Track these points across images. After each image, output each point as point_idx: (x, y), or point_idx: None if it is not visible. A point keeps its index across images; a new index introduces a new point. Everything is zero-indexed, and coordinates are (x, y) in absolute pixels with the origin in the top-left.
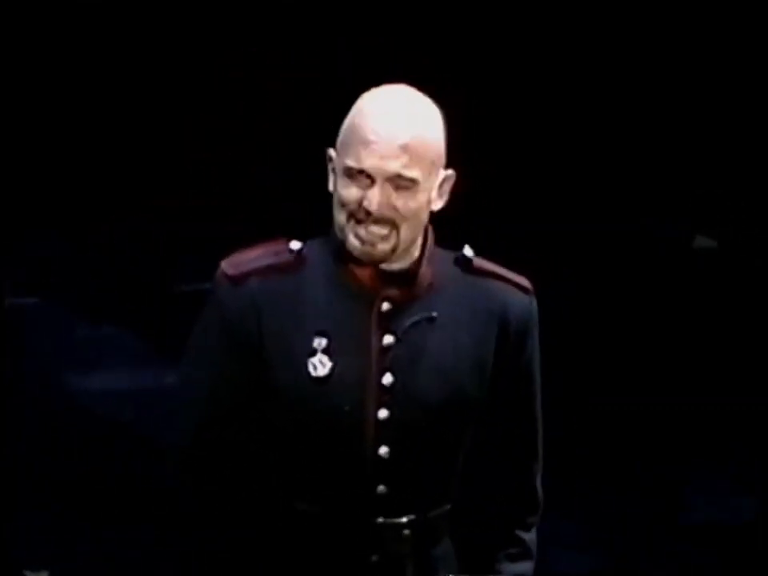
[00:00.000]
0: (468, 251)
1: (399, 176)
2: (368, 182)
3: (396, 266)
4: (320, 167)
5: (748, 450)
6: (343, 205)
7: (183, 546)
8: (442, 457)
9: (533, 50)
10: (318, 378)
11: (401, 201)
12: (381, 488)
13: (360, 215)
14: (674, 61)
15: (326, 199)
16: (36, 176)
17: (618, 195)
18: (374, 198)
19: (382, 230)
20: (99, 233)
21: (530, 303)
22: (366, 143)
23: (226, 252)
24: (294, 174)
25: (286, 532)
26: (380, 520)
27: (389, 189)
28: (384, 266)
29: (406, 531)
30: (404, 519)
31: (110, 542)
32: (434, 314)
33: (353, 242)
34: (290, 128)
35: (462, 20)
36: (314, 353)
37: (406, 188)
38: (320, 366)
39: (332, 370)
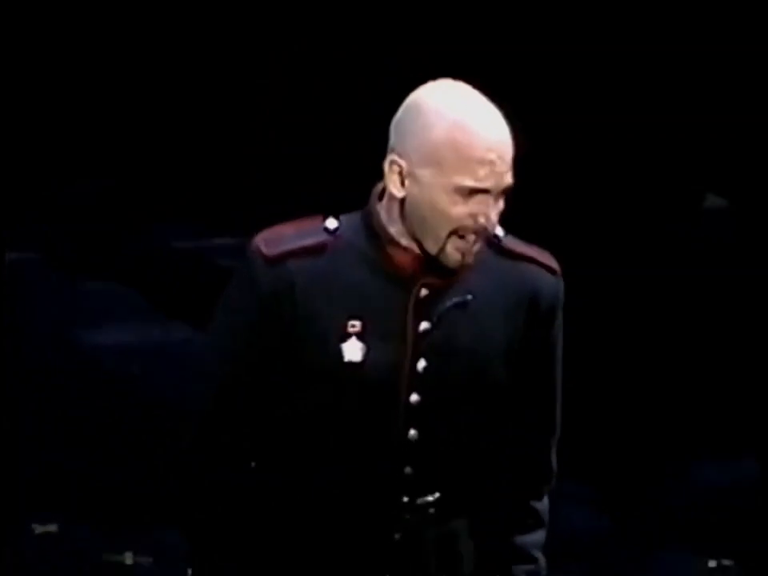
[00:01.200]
0: (499, 231)
1: (508, 188)
2: (483, 198)
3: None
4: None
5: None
6: (452, 221)
7: (200, 523)
8: (468, 438)
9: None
10: (350, 363)
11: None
12: (408, 469)
13: (471, 232)
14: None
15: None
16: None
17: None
18: (493, 216)
19: (481, 241)
20: (103, 189)
21: (557, 285)
22: (483, 162)
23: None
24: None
25: (308, 510)
26: (405, 499)
27: (499, 202)
28: (423, 253)
29: (431, 510)
30: (429, 498)
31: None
32: (468, 297)
33: (452, 254)
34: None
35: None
36: (347, 337)
37: (504, 196)
38: (353, 350)
39: (365, 354)
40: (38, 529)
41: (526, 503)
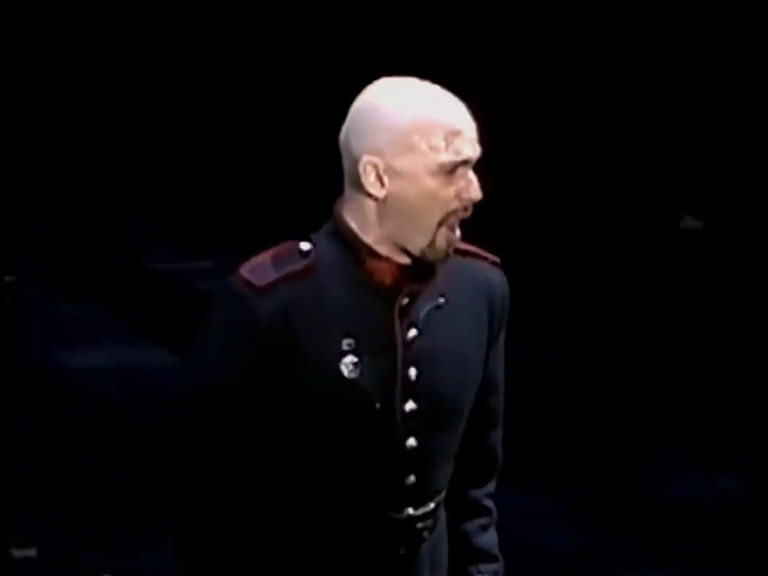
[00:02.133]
0: None
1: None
2: (464, 171)
3: (410, 258)
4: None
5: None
6: (443, 203)
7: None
8: (454, 441)
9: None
10: (349, 380)
11: None
12: (411, 479)
13: (461, 210)
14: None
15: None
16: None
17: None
18: (478, 187)
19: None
20: (80, 211)
21: (504, 279)
22: (457, 133)
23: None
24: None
25: (315, 528)
26: (410, 511)
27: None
28: (401, 259)
29: (430, 521)
30: (431, 506)
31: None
32: (441, 300)
33: (441, 246)
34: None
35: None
36: (344, 354)
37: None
38: (352, 367)
39: (362, 370)
40: (16, 553)
41: (483, 501)
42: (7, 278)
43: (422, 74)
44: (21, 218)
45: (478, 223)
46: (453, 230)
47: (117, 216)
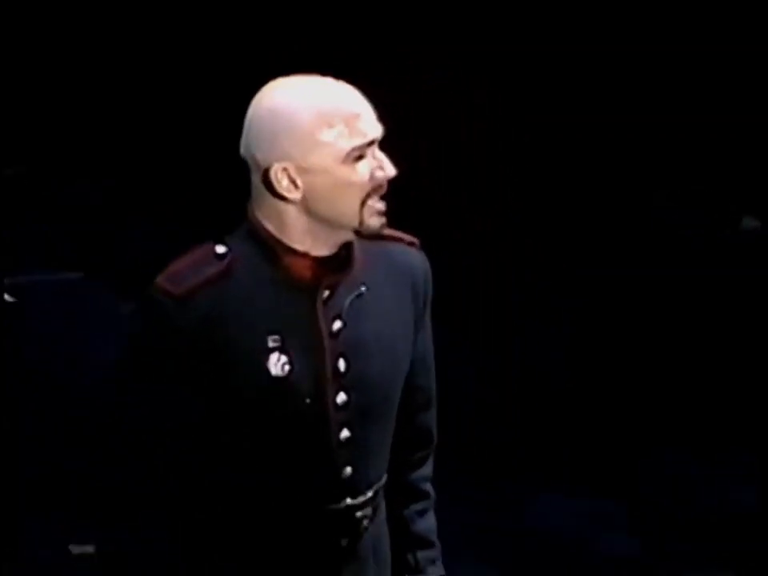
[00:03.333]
0: None
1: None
2: (371, 151)
3: (329, 251)
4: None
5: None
6: (359, 188)
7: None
8: (389, 428)
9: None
10: (278, 378)
11: None
12: (347, 470)
13: (378, 188)
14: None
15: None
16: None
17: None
18: (390, 163)
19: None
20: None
21: (425, 259)
22: (357, 116)
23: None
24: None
25: (256, 524)
26: (348, 501)
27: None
28: (319, 253)
29: (369, 510)
30: (369, 495)
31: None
32: (362, 288)
33: (374, 220)
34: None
35: None
36: (270, 352)
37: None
38: (279, 364)
39: (291, 366)
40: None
41: (420, 485)
42: (7, 281)
43: (422, 74)
44: (21, 218)
45: (478, 223)
46: (378, 204)
47: (117, 216)
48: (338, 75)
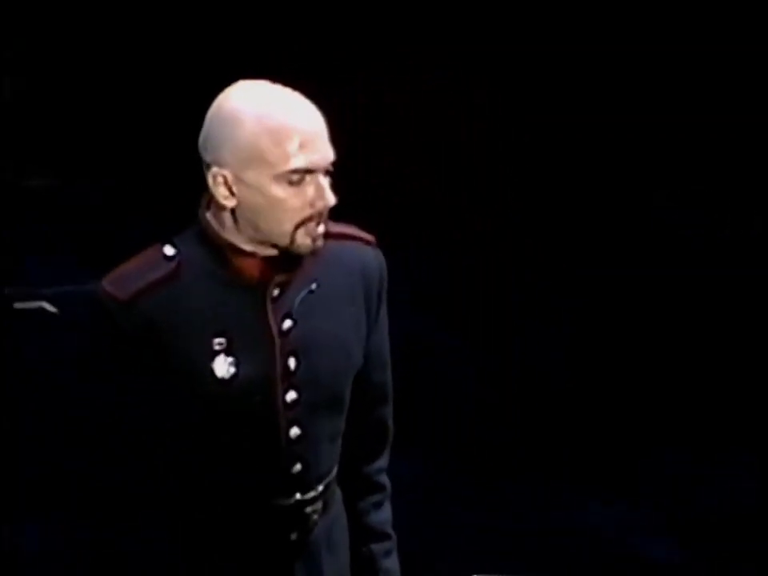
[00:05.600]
0: None
1: (331, 164)
2: (313, 179)
3: (277, 251)
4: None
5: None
6: (294, 212)
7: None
8: (338, 424)
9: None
10: (224, 380)
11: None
12: (297, 467)
13: (317, 215)
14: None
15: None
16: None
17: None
18: (330, 193)
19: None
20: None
21: (379, 256)
22: (302, 143)
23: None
24: None
25: (206, 525)
26: (298, 496)
27: (326, 179)
28: (267, 252)
29: (319, 504)
30: (320, 489)
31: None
32: (313, 286)
33: (304, 243)
34: None
35: None
36: (215, 355)
37: (329, 173)
38: (223, 366)
39: (237, 367)
40: None
41: (376, 477)
42: (6, 291)
43: (422, 74)
44: (21, 218)
45: (478, 223)
46: (314, 228)
47: (117, 216)
48: (338, 75)
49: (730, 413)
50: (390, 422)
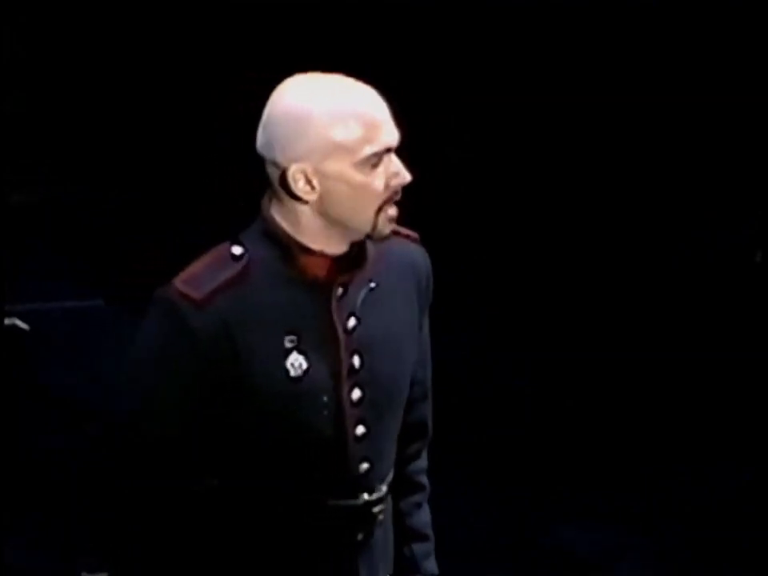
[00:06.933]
0: None
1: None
2: (389, 158)
3: (343, 249)
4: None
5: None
6: (377, 195)
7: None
8: (398, 422)
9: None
10: (297, 377)
11: None
12: (364, 466)
13: (394, 195)
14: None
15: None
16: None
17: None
18: (404, 169)
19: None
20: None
21: (426, 254)
22: (375, 124)
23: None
24: None
25: (275, 525)
26: (365, 497)
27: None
28: (334, 252)
29: (384, 505)
30: (384, 490)
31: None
32: (372, 285)
33: (386, 227)
34: None
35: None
36: (288, 353)
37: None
38: (297, 364)
39: (308, 365)
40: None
41: (417, 477)
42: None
43: (422, 74)
44: (21, 218)
45: (478, 223)
46: (392, 208)
47: (117, 215)
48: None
49: (730, 415)
50: (431, 422)
